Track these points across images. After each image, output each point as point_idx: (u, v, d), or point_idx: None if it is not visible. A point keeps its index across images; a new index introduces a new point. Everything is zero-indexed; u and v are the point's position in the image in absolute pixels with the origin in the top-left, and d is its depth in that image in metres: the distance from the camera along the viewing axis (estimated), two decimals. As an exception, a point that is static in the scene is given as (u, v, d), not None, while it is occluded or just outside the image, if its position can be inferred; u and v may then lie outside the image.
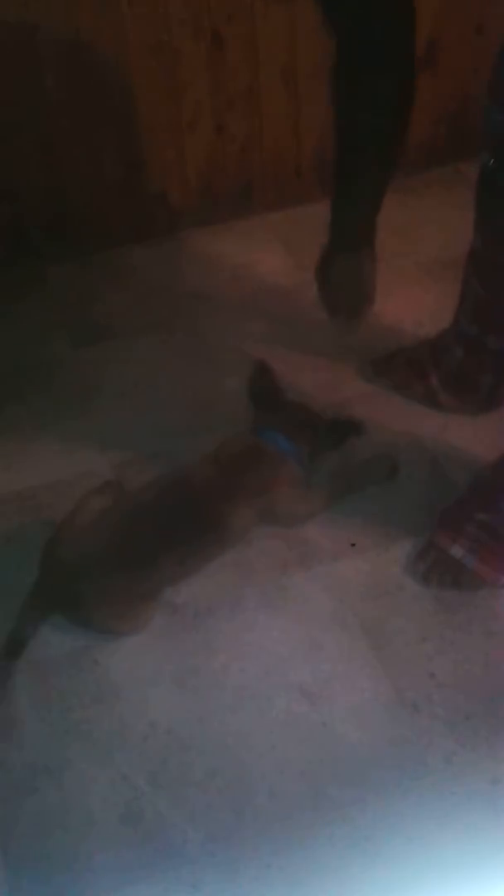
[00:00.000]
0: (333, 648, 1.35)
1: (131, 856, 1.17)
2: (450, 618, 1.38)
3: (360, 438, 1.48)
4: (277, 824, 1.18)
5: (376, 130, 1.32)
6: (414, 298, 1.91)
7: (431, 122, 2.19)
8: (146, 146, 2.01)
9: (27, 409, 1.75)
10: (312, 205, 2.15)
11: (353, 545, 1.48)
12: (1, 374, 1.81)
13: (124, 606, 1.36)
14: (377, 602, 1.40)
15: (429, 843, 1.16)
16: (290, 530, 1.49)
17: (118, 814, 1.20)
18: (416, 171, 2.19)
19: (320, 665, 1.34)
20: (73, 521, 1.40)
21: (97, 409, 1.74)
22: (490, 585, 1.41)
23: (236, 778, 1.23)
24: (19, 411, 1.74)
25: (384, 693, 1.30)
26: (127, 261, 2.07)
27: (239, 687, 1.32)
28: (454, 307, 1.61)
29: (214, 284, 1.99)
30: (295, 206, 2.16)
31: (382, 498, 1.54)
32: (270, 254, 2.06)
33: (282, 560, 1.46)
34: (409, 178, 2.15)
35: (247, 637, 1.37)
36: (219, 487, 1.39)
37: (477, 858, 1.14)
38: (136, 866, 1.16)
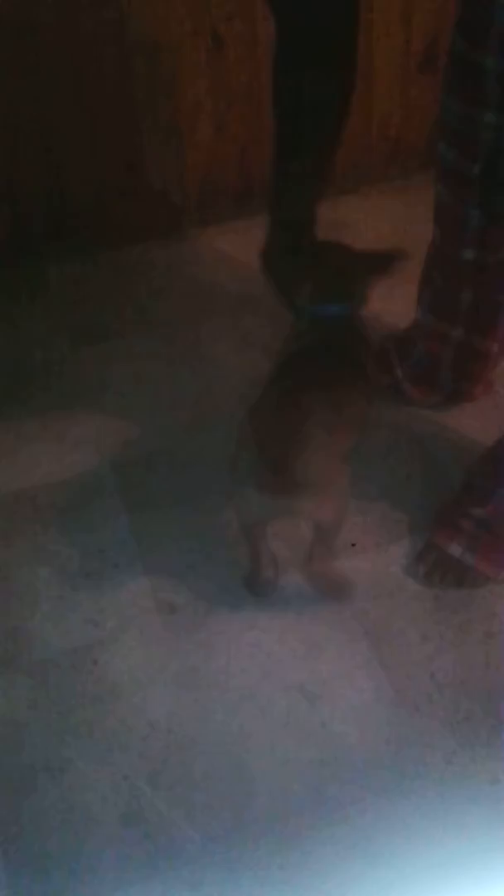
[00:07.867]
0: (333, 648, 1.35)
1: (131, 856, 1.17)
2: (450, 618, 1.38)
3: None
4: (277, 824, 1.18)
5: (315, 131, 1.30)
6: (414, 298, 1.91)
7: (431, 122, 2.18)
8: (146, 146, 2.01)
9: (27, 409, 1.75)
10: (312, 205, 2.15)
11: (353, 545, 1.48)
12: (1, 373, 1.81)
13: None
14: (377, 602, 1.40)
15: (429, 843, 1.16)
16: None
17: (118, 814, 1.20)
18: (417, 170, 2.19)
19: (320, 665, 1.34)
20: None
21: (97, 409, 1.74)
22: (492, 580, 1.41)
23: (236, 778, 1.23)
24: (19, 411, 1.74)
25: (384, 693, 1.30)
26: (127, 261, 2.07)
27: (239, 687, 1.32)
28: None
29: (215, 284, 1.99)
30: (295, 205, 2.15)
31: (383, 498, 1.54)
32: (270, 254, 2.06)
33: (282, 560, 1.46)
34: (409, 178, 2.14)
35: (247, 637, 1.37)
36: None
37: (477, 858, 1.14)
38: (136, 866, 1.16)
